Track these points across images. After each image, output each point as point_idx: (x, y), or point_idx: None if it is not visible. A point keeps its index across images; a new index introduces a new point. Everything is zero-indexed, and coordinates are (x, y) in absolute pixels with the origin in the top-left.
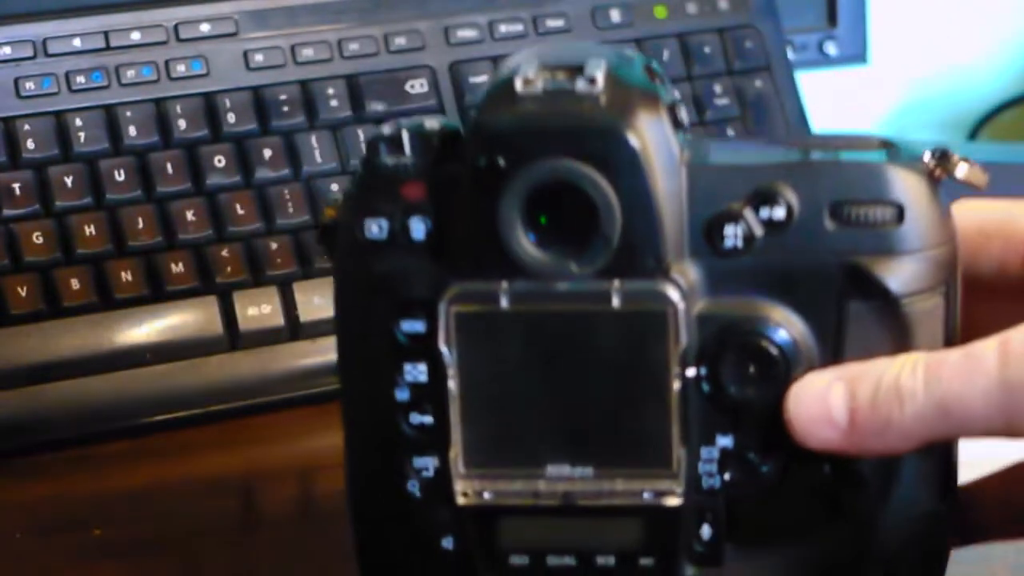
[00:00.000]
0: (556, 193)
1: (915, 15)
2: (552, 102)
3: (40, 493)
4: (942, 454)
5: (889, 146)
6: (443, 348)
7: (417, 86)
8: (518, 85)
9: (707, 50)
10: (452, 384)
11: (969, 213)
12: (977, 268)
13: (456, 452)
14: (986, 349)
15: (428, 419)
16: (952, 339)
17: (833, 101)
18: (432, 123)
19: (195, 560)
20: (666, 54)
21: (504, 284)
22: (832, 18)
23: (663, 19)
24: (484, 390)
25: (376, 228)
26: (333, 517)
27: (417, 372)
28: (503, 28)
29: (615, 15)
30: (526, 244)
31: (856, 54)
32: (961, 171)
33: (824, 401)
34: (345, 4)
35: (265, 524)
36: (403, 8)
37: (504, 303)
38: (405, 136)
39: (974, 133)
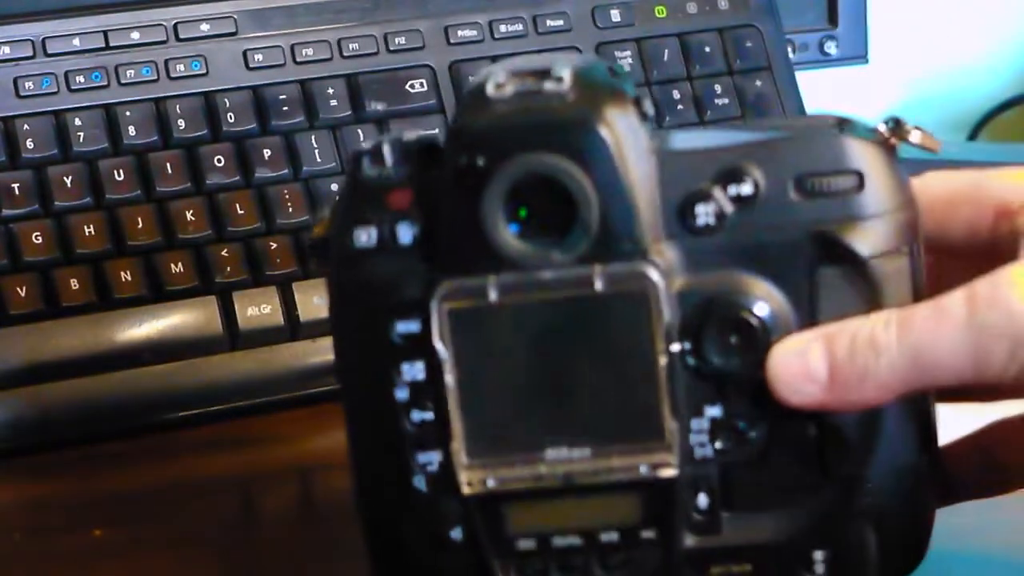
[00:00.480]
0: (534, 186)
1: (915, 15)
2: (523, 102)
3: (40, 493)
4: (921, 410)
5: (845, 123)
6: (438, 344)
7: (417, 86)
8: (490, 90)
9: (707, 50)
10: (449, 378)
11: (938, 182)
12: (948, 235)
13: (458, 444)
14: (953, 298)
15: (429, 415)
16: (919, 297)
17: (833, 101)
18: (411, 135)
19: (195, 560)
20: (666, 54)
21: (491, 278)
22: (832, 18)
23: (663, 19)
24: (480, 381)
25: (365, 236)
26: (333, 517)
27: (415, 371)
28: (503, 28)
29: (615, 15)
30: (509, 237)
31: (856, 54)
32: (915, 137)
33: (803, 359)
34: (345, 4)
35: (265, 524)
36: (403, 8)
37: (493, 296)
38: (386, 148)
39: (974, 133)
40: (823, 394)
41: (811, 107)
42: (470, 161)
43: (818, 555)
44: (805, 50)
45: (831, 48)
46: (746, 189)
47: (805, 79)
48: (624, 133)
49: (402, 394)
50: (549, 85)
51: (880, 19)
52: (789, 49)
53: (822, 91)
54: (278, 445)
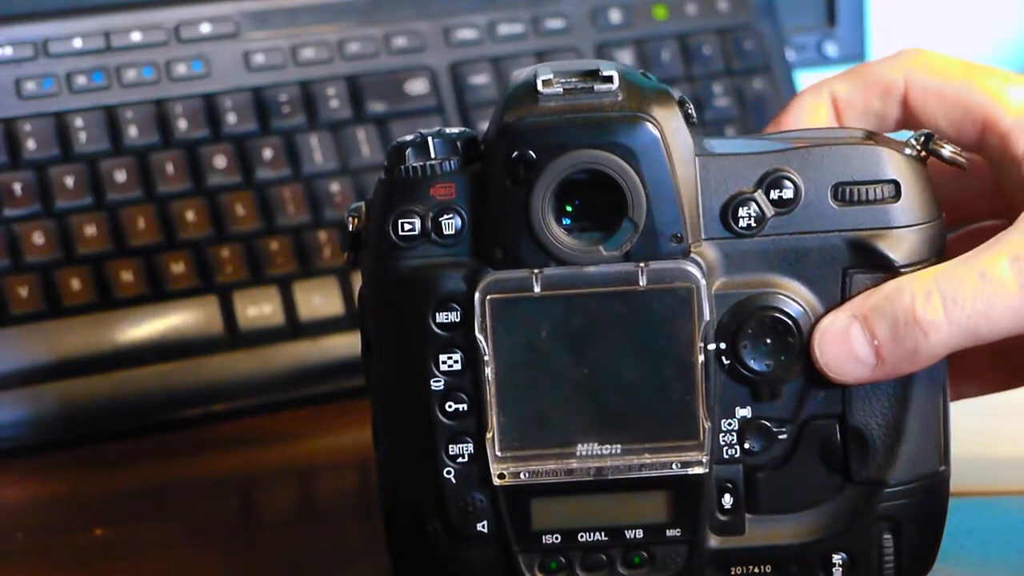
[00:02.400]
0: (583, 182)
1: (915, 15)
2: (575, 99)
3: (41, 492)
4: (941, 418)
5: (874, 135)
6: (479, 336)
7: (417, 86)
8: (540, 87)
9: (706, 51)
10: (488, 370)
11: (930, 74)
12: (933, 125)
13: (492, 435)
14: (999, 268)
15: (463, 407)
16: None
17: None
18: (451, 130)
19: (195, 560)
20: (666, 54)
21: (536, 271)
22: (831, 18)
23: (663, 20)
24: (518, 374)
25: (409, 226)
26: (333, 517)
27: (452, 362)
28: (503, 28)
29: (615, 15)
30: (557, 231)
31: (855, 54)
32: (946, 152)
33: (847, 342)
34: (345, 4)
35: (265, 524)
36: (403, 8)
37: (537, 289)
38: (431, 142)
39: None
40: (874, 373)
41: None
42: (521, 155)
43: (837, 558)
44: (804, 50)
45: (830, 48)
46: (787, 194)
47: (804, 79)
48: (672, 134)
49: (437, 385)
50: (599, 85)
51: (880, 19)
52: (788, 49)
53: None
54: (278, 445)
